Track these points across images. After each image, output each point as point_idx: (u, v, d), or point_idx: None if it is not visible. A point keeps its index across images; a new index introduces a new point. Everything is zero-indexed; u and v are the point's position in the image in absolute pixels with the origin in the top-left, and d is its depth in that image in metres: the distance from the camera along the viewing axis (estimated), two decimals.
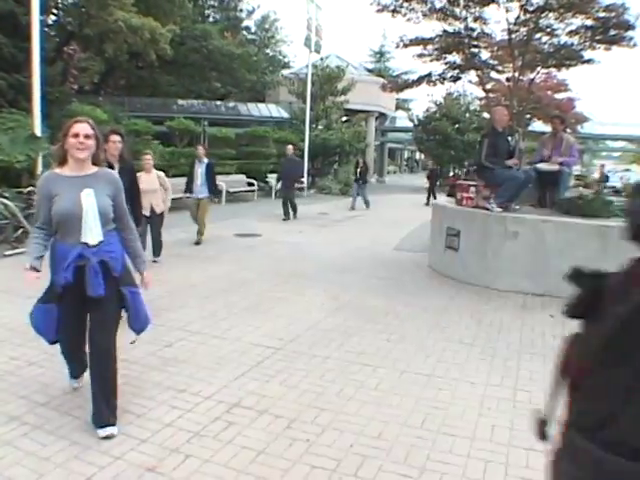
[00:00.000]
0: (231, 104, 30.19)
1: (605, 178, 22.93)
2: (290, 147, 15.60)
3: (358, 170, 18.57)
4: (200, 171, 10.20)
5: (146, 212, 7.59)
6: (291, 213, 14.87)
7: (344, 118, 28.89)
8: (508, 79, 16.61)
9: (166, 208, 8.58)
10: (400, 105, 45.10)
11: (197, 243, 10.21)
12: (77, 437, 3.25)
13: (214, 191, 10.70)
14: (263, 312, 5.98)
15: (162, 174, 8.64)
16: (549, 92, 26.12)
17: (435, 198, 20.90)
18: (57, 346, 3.65)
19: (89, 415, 3.39)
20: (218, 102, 29.96)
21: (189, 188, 10.36)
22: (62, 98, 17.99)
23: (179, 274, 7.67)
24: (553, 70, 18.48)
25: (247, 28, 38.39)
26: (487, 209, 7.64)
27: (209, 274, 7.77)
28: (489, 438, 3.43)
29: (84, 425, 3.38)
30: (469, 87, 29.94)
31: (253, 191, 20.42)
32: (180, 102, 28.39)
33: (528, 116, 24.27)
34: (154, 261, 8.24)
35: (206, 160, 10.34)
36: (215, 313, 5.89)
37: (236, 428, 3.45)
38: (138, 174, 6.92)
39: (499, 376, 4.44)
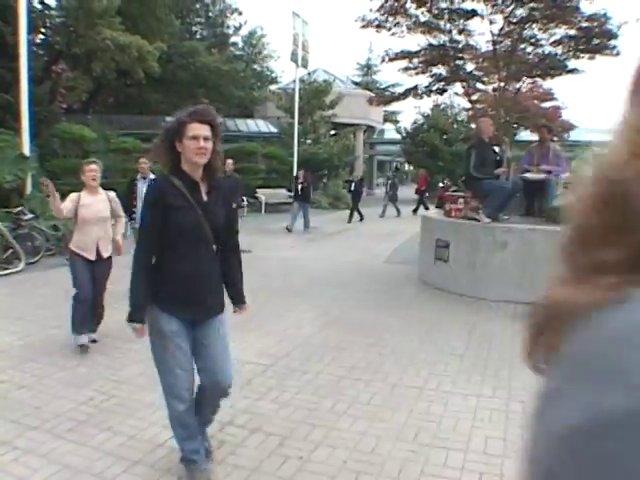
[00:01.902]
0: (219, 120, 30.32)
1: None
2: (230, 162, 10.80)
3: (299, 186, 15.49)
4: (144, 191, 7.46)
5: (91, 256, 5.15)
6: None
7: (332, 132, 29.02)
8: (495, 89, 16.79)
9: (118, 247, 5.50)
10: (388, 117, 45.43)
11: None
12: (69, 461, 3.21)
13: None
14: (254, 329, 5.94)
15: (113, 195, 5.51)
16: (535, 101, 26.32)
17: (360, 216, 18.51)
18: (48, 367, 3.45)
19: (81, 437, 3.37)
20: None
21: (129, 213, 7.68)
22: (50, 117, 18.00)
23: None
24: (539, 80, 18.68)
25: (234, 44, 38.69)
26: (476, 220, 7.68)
27: None
28: (483, 450, 3.43)
29: (76, 448, 3.34)
30: (456, 98, 30.18)
31: (242, 207, 20.36)
32: (169, 119, 28.39)
33: (515, 125, 24.48)
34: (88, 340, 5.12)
35: (152, 176, 7.99)
36: None
37: (228, 447, 3.43)
38: (74, 195, 5.21)
39: (491, 387, 4.44)
